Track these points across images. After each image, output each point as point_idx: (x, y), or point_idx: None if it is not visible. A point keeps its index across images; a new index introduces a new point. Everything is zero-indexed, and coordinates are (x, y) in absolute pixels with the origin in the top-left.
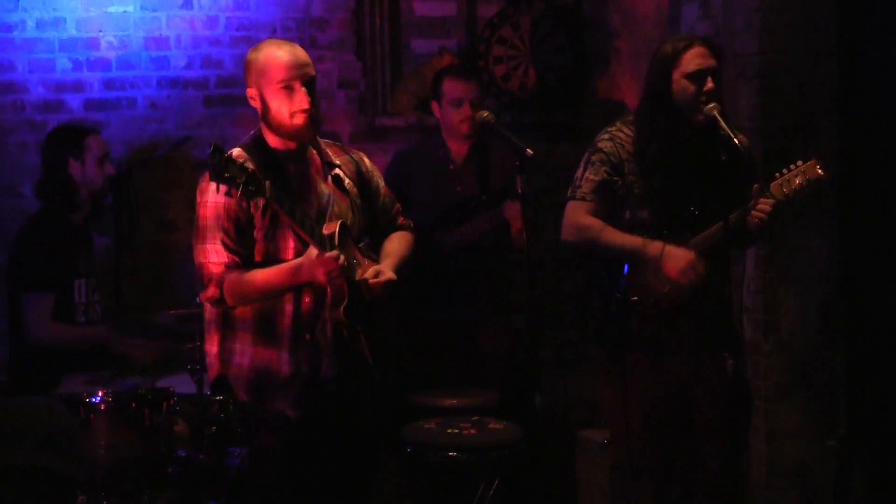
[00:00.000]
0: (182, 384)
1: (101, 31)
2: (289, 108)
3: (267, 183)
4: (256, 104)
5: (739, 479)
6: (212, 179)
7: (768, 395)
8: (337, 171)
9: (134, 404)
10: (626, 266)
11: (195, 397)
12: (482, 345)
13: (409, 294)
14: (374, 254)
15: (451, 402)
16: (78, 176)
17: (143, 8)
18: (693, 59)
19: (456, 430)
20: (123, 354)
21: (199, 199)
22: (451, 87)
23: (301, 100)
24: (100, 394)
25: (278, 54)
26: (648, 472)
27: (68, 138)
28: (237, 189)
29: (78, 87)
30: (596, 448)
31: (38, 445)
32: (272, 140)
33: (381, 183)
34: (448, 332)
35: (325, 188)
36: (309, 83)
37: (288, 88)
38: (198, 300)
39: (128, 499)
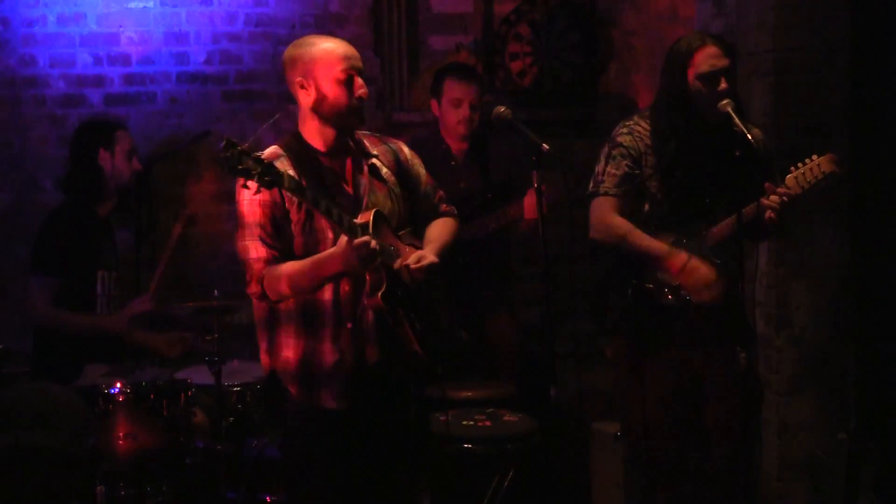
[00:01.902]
0: (200, 376)
1: (121, 26)
2: (348, 98)
3: (286, 174)
4: (308, 94)
5: (751, 471)
6: (226, 172)
7: (780, 388)
8: (374, 160)
9: (153, 395)
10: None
11: (213, 388)
12: (491, 338)
13: None
14: (418, 241)
15: (467, 394)
16: (108, 167)
17: (163, 4)
18: (706, 59)
19: (471, 422)
20: (141, 346)
21: (238, 197)
22: (451, 88)
23: (360, 86)
24: (118, 385)
25: (331, 46)
26: (661, 465)
27: (100, 130)
28: (252, 180)
29: (98, 81)
30: (610, 440)
31: (28, 425)
32: (310, 135)
33: (423, 171)
34: (457, 326)
35: (362, 179)
36: (361, 73)
37: (348, 79)
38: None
39: (146, 489)
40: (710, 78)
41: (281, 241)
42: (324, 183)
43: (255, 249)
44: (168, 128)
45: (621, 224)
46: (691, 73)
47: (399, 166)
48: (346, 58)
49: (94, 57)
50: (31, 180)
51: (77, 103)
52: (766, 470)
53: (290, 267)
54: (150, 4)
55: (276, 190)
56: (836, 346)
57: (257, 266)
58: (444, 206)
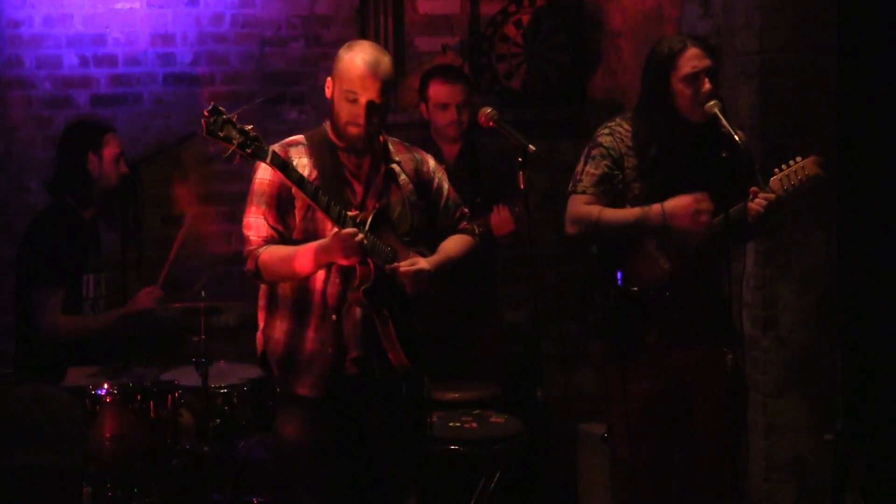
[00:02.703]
0: (187, 377)
1: (107, 27)
2: (345, 117)
3: (272, 151)
4: (328, 95)
5: (737, 472)
6: (204, 135)
7: (767, 389)
8: (394, 165)
9: (139, 396)
10: (619, 270)
11: (200, 390)
12: (477, 340)
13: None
14: (427, 251)
15: (453, 395)
16: (95, 171)
17: (149, 5)
18: (689, 61)
19: (457, 424)
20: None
21: (252, 176)
22: (436, 91)
23: (357, 115)
24: (105, 386)
25: (357, 63)
26: (647, 465)
27: (89, 132)
28: (232, 147)
29: (85, 82)
30: (597, 441)
31: (22, 441)
32: (331, 132)
33: (446, 186)
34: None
35: (377, 180)
36: (371, 104)
37: (352, 100)
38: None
39: (133, 490)
40: (694, 79)
41: (283, 224)
42: (336, 176)
43: (256, 227)
44: (154, 129)
45: (591, 209)
46: (674, 77)
47: (419, 177)
48: (360, 80)
49: (81, 58)
50: (17, 181)
51: (63, 104)
52: (753, 471)
53: (283, 250)
54: (137, 5)
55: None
56: (823, 347)
57: (255, 244)
58: (465, 223)
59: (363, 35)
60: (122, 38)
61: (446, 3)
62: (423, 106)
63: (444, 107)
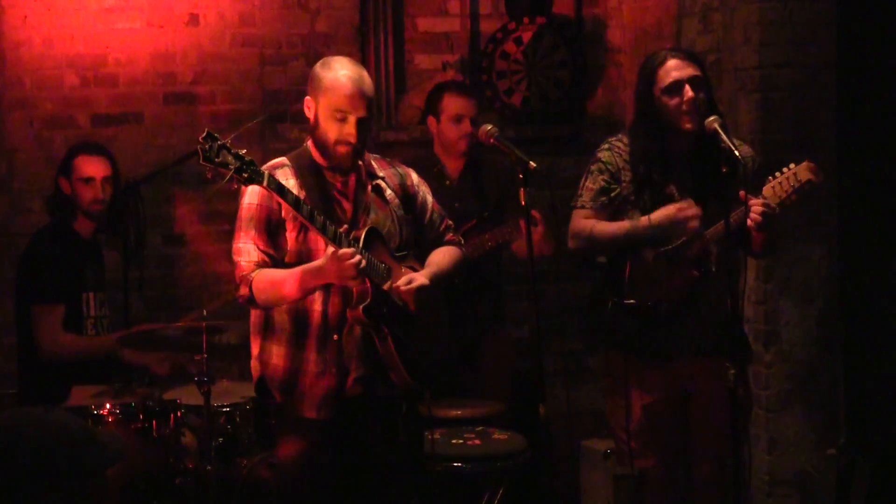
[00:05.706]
0: (189, 396)
1: (108, 47)
2: (335, 136)
3: (267, 174)
4: (309, 115)
5: (740, 486)
6: (200, 162)
7: (769, 404)
8: (379, 181)
9: (141, 416)
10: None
11: (202, 409)
12: (484, 356)
13: None
14: (418, 265)
15: (456, 412)
16: (68, 192)
17: (149, 24)
18: (668, 72)
19: (460, 441)
20: (135, 365)
21: (239, 200)
22: (451, 103)
23: (348, 133)
24: (108, 405)
25: (343, 82)
26: (652, 479)
27: (64, 156)
28: (229, 173)
29: (86, 102)
30: (600, 458)
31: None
32: (315, 149)
33: (430, 199)
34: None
35: (364, 197)
36: (363, 121)
37: (341, 119)
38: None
39: None
40: (675, 89)
41: (274, 248)
42: (324, 196)
43: (247, 253)
44: (155, 148)
45: (586, 223)
46: (657, 91)
47: (405, 191)
48: (349, 99)
49: (82, 78)
50: (19, 203)
51: (64, 125)
52: (756, 486)
53: (278, 273)
54: (137, 25)
55: (274, 197)
56: (825, 362)
57: (247, 269)
58: (451, 234)
59: (364, 53)
60: (122, 58)
61: (446, 21)
62: (431, 119)
63: (459, 118)
